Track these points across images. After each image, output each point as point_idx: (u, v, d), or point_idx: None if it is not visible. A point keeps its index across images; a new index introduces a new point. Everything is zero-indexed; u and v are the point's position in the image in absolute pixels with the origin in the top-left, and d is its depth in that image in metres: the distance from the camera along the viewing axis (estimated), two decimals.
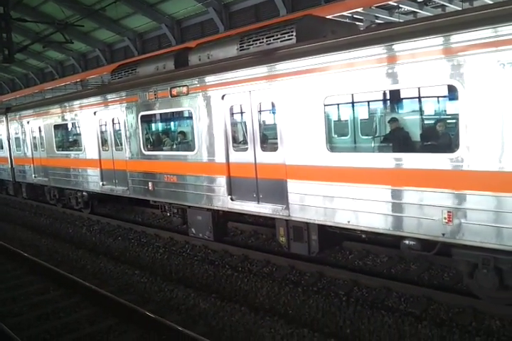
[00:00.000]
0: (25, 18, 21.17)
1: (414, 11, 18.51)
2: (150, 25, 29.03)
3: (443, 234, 5.81)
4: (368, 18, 17.69)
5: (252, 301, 7.15)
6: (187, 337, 5.52)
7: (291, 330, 5.92)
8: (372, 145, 7.26)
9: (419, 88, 6.10)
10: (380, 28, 6.77)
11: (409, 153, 6.18)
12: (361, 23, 16.85)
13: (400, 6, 17.80)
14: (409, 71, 5.90)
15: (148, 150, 10.47)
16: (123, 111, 10.85)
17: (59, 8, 26.73)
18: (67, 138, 14.20)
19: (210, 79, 8.61)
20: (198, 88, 8.84)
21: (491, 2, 14.63)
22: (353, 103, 6.92)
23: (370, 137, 7.37)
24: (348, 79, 6.53)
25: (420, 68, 5.79)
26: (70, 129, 13.80)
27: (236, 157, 8.47)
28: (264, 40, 8.17)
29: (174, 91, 9.35)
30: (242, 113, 8.37)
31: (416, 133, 6.63)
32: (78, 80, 33.46)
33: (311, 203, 7.22)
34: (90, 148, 12.39)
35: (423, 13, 18.07)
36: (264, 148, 8.02)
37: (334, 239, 8.03)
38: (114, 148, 11.59)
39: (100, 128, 11.97)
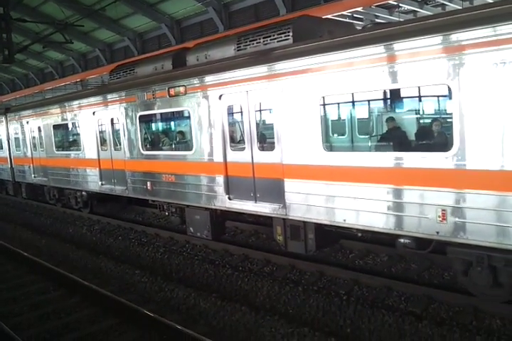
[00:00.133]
0: (25, 19, 21.22)
1: (414, 10, 18.46)
2: (150, 25, 29.06)
3: (437, 233, 5.84)
4: (367, 17, 17.65)
5: (253, 300, 7.16)
6: (187, 336, 5.52)
7: (291, 330, 5.93)
8: (368, 144, 7.31)
9: (414, 87, 6.13)
10: (375, 28, 6.78)
11: (403, 152, 6.19)
12: (361, 23, 16.84)
13: (400, 5, 17.78)
14: (405, 71, 5.91)
15: (147, 150, 10.47)
16: (122, 111, 10.85)
17: (59, 8, 26.73)
18: (66, 138, 14.20)
19: (207, 79, 8.62)
20: (196, 88, 8.85)
21: (490, 1, 14.59)
22: (347, 103, 6.98)
23: (364, 136, 7.42)
24: (344, 79, 6.55)
25: (415, 68, 5.80)
26: (69, 129, 13.80)
27: (234, 156, 8.48)
28: (261, 40, 8.18)
29: (172, 92, 9.35)
30: (239, 113, 8.37)
31: (411, 133, 6.66)
32: (78, 80, 33.47)
33: (308, 202, 7.24)
34: (89, 148, 12.39)
35: (423, 12, 18.01)
36: (261, 148, 8.03)
37: (331, 237, 8.06)
38: (112, 148, 11.59)
39: (99, 128, 11.96)
